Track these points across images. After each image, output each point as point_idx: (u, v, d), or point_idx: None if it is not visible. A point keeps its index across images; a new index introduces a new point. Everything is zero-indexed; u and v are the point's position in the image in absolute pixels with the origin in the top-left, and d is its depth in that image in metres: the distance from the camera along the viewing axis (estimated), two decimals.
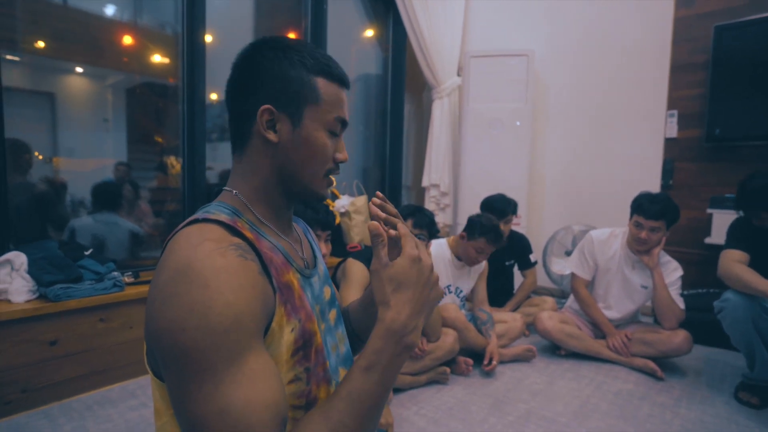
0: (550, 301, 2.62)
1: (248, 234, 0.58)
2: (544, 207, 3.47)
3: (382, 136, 3.72)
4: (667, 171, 2.97)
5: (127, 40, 2.33)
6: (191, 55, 2.41)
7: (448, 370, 1.97)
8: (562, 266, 2.89)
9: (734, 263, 1.84)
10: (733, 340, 1.88)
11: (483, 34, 3.69)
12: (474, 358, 2.10)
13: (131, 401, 1.78)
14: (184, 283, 0.50)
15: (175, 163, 2.52)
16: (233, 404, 0.47)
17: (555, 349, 2.35)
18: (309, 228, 0.83)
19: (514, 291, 2.77)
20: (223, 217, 0.58)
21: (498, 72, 3.25)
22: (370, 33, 3.67)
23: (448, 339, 1.95)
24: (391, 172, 3.70)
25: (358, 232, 2.92)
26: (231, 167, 0.68)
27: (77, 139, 2.20)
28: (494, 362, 2.01)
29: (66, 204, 2.15)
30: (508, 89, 3.23)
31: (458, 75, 3.57)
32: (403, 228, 0.61)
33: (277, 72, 0.62)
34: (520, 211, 3.20)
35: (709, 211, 2.70)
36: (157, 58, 2.45)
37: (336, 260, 2.32)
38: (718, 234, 2.56)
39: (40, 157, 2.06)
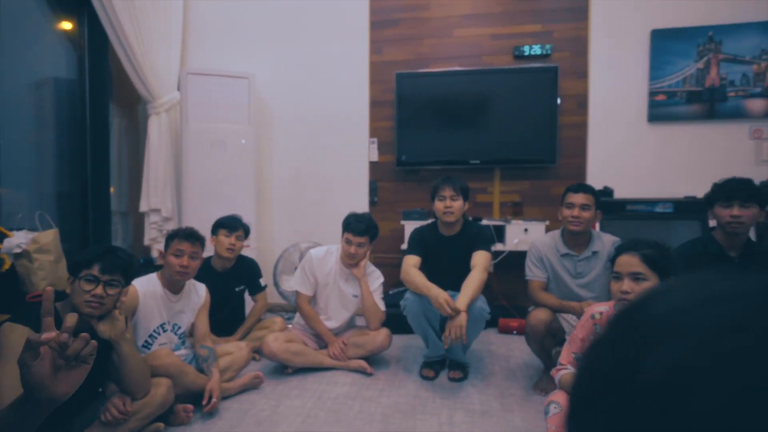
0: (278, 321, 2.70)
1: None
2: (272, 226, 3.57)
3: (81, 153, 3.09)
4: (373, 190, 3.49)
5: None
6: None
7: (161, 425, 1.76)
8: (291, 283, 3.03)
9: (409, 267, 2.30)
10: (413, 328, 2.34)
11: (207, 53, 3.57)
12: (198, 401, 1.96)
13: None
14: None
15: None
16: None
17: (284, 369, 2.42)
18: None
19: (246, 316, 2.74)
20: None
21: (219, 92, 3.17)
22: (57, 26, 3.01)
23: (160, 390, 1.75)
24: (95, 197, 3.11)
25: (44, 276, 2.33)
26: None
27: None
28: (214, 400, 1.92)
29: None
30: (230, 110, 3.19)
31: (179, 90, 3.31)
32: None
33: None
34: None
35: (402, 222, 3.31)
36: None
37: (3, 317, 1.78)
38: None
39: None
